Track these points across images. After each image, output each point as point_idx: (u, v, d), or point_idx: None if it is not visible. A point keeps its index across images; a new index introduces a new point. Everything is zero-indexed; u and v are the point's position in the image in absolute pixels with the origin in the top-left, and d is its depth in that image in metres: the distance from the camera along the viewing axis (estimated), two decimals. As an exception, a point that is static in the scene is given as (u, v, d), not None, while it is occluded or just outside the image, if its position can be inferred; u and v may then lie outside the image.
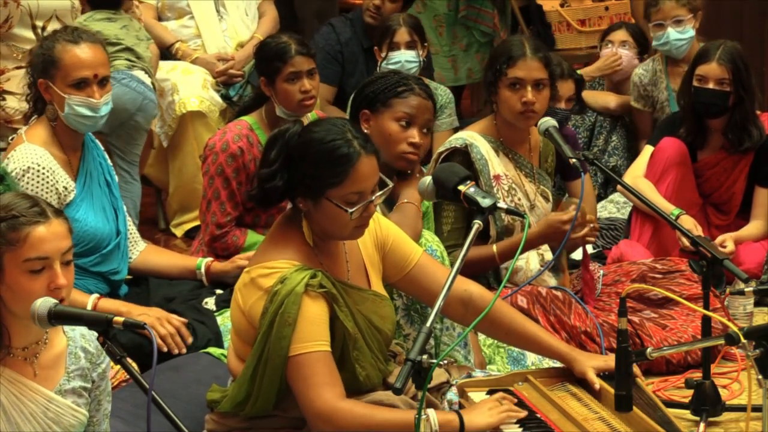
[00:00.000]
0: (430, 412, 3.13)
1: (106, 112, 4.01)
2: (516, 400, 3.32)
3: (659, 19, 5.70)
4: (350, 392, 3.24)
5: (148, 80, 5.56)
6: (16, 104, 5.10)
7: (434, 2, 6.74)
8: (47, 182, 3.92)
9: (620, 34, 6.18)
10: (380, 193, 3.25)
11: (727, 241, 4.88)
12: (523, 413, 3.25)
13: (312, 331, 3.14)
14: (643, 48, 6.13)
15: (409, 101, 3.96)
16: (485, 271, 4.36)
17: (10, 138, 4.09)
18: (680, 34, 5.66)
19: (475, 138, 4.40)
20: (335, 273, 3.27)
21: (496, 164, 4.39)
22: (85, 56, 3.94)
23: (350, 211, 3.16)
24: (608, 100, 6.01)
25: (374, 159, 3.22)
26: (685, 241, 4.65)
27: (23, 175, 3.89)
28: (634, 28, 6.26)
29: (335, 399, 3.12)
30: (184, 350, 3.91)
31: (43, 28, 5.25)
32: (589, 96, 5.92)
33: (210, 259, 4.39)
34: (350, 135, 3.20)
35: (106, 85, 4.01)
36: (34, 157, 3.91)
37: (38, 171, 3.91)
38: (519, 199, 4.42)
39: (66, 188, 3.98)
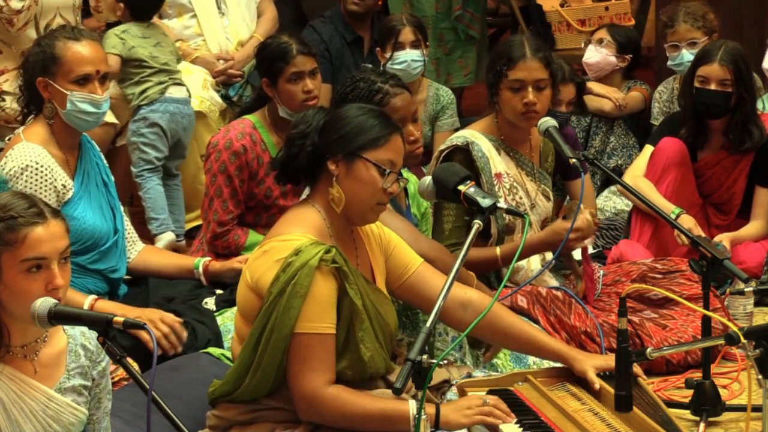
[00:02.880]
0: (411, 402, 3.15)
1: (106, 108, 4.03)
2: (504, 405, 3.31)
3: (674, 41, 5.68)
4: (354, 375, 3.28)
5: (181, 93, 5.62)
6: (16, 105, 5.11)
7: (421, 3, 6.75)
8: (45, 180, 3.92)
9: (600, 33, 6.19)
10: (402, 178, 3.34)
11: (723, 242, 4.87)
12: (504, 419, 3.23)
13: (318, 312, 3.17)
14: (622, 48, 6.11)
15: (392, 105, 3.96)
16: (487, 273, 4.35)
17: (7, 138, 4.09)
18: (694, 56, 5.61)
19: (476, 137, 4.40)
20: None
21: (497, 162, 4.39)
22: (87, 53, 3.95)
23: (387, 171, 3.25)
24: (603, 103, 6.01)
25: (402, 142, 3.36)
26: (684, 240, 4.66)
27: (21, 173, 3.89)
28: (618, 29, 6.21)
29: (322, 384, 3.17)
30: (179, 350, 3.91)
31: (47, 27, 5.26)
32: (586, 99, 5.92)
33: (208, 258, 4.39)
34: (386, 114, 3.38)
35: (106, 82, 4.03)
36: (32, 155, 3.91)
37: (36, 169, 3.91)
38: (520, 198, 4.42)
39: (64, 186, 3.98)
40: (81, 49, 3.95)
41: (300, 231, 3.25)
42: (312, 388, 3.17)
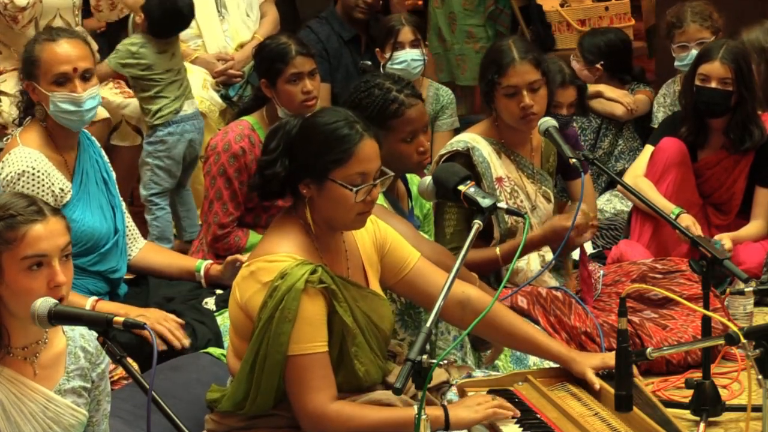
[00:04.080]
0: (416, 406, 3.13)
1: (91, 106, 3.99)
2: (509, 405, 3.31)
3: (683, 41, 5.65)
4: (350, 389, 3.26)
5: (192, 106, 5.58)
6: (14, 107, 5.10)
7: None
8: (43, 185, 3.91)
9: (575, 51, 6.20)
10: (382, 179, 3.27)
11: (724, 240, 4.87)
12: (513, 412, 3.24)
13: (309, 332, 3.15)
14: (587, 61, 6.10)
15: (406, 116, 3.89)
16: (488, 273, 4.35)
17: (5, 139, 4.09)
18: (696, 54, 5.57)
19: (477, 141, 4.39)
20: (335, 269, 3.27)
21: (498, 167, 4.38)
22: (62, 51, 3.94)
23: (355, 190, 3.17)
24: (614, 107, 6.01)
25: (376, 144, 3.25)
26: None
27: (18, 179, 3.88)
28: (585, 42, 6.17)
29: (325, 402, 3.15)
30: (187, 343, 3.90)
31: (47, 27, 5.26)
32: (596, 103, 5.92)
33: (209, 261, 4.38)
34: (352, 118, 3.24)
35: (91, 79, 4.00)
36: (28, 161, 3.91)
37: (33, 174, 3.90)
38: (521, 201, 4.41)
39: (62, 189, 3.98)
40: (57, 49, 3.93)
41: (285, 250, 3.21)
42: (315, 408, 3.15)
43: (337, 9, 6.40)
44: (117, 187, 4.27)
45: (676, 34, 5.69)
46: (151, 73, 5.46)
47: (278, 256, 3.20)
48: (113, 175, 4.26)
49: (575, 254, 4.97)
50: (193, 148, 5.55)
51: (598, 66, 6.10)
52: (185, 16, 5.54)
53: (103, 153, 4.28)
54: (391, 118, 3.87)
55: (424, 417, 2.82)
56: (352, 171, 3.19)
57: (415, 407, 3.12)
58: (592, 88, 5.92)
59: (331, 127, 3.21)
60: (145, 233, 5.33)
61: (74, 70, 3.95)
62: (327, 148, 3.19)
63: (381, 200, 3.90)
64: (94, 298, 3.96)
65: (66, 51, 3.94)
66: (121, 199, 4.26)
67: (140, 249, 4.35)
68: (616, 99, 5.99)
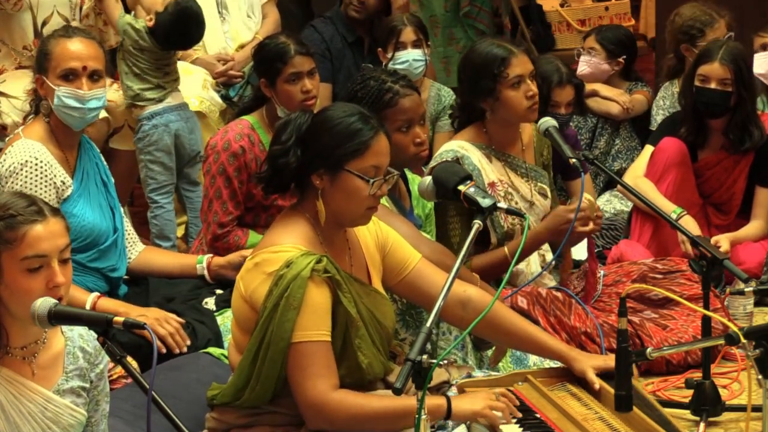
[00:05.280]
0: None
1: (95, 106, 4.02)
2: (517, 401, 3.32)
3: (717, 38, 5.64)
4: (352, 382, 3.27)
5: (177, 99, 5.43)
6: (9, 108, 5.09)
7: (431, 2, 6.74)
8: (45, 176, 3.93)
9: (589, 41, 6.16)
10: (387, 177, 3.29)
11: (721, 242, 4.87)
12: (508, 419, 3.23)
13: (313, 320, 3.16)
14: (613, 54, 6.08)
15: (401, 106, 3.93)
16: (499, 275, 4.33)
17: (7, 137, 4.10)
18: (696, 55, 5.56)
19: (466, 148, 4.37)
20: (338, 265, 3.28)
21: (489, 172, 4.38)
22: (74, 48, 3.98)
23: (371, 181, 3.21)
24: (610, 106, 6.00)
25: (388, 141, 3.30)
26: (689, 247, 4.65)
27: (21, 169, 3.90)
28: (607, 33, 6.18)
29: (328, 390, 3.16)
30: (185, 349, 3.91)
31: (44, 23, 5.25)
32: (592, 101, 5.92)
33: (210, 255, 4.39)
34: (366, 113, 3.30)
35: (99, 81, 4.03)
36: (31, 152, 3.93)
37: (36, 164, 3.92)
38: (516, 203, 4.41)
39: (64, 183, 3.99)
40: (70, 45, 3.98)
41: (290, 241, 3.23)
42: (317, 395, 3.15)
43: (342, 10, 6.41)
44: (116, 191, 4.27)
45: (708, 32, 5.67)
46: (141, 53, 5.32)
47: (283, 246, 3.22)
48: (112, 179, 4.27)
49: (578, 253, 4.97)
50: (183, 139, 5.47)
51: (620, 60, 6.08)
52: (189, 43, 5.49)
53: (102, 158, 4.29)
54: (386, 107, 3.90)
55: (424, 417, 2.82)
56: (367, 163, 3.23)
57: (417, 397, 3.13)
58: (587, 87, 5.91)
59: (348, 120, 3.26)
60: (146, 233, 5.33)
61: (84, 68, 3.99)
62: (344, 139, 3.23)
63: (383, 200, 3.91)
64: (96, 294, 3.97)
65: (78, 48, 3.99)
66: (120, 203, 4.27)
67: (139, 252, 4.35)
68: (611, 98, 5.98)
